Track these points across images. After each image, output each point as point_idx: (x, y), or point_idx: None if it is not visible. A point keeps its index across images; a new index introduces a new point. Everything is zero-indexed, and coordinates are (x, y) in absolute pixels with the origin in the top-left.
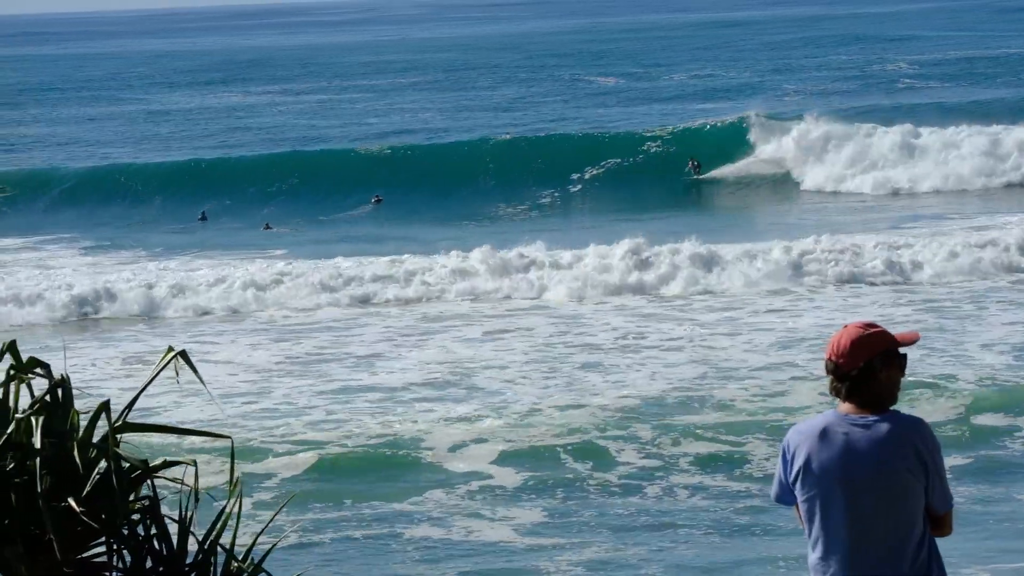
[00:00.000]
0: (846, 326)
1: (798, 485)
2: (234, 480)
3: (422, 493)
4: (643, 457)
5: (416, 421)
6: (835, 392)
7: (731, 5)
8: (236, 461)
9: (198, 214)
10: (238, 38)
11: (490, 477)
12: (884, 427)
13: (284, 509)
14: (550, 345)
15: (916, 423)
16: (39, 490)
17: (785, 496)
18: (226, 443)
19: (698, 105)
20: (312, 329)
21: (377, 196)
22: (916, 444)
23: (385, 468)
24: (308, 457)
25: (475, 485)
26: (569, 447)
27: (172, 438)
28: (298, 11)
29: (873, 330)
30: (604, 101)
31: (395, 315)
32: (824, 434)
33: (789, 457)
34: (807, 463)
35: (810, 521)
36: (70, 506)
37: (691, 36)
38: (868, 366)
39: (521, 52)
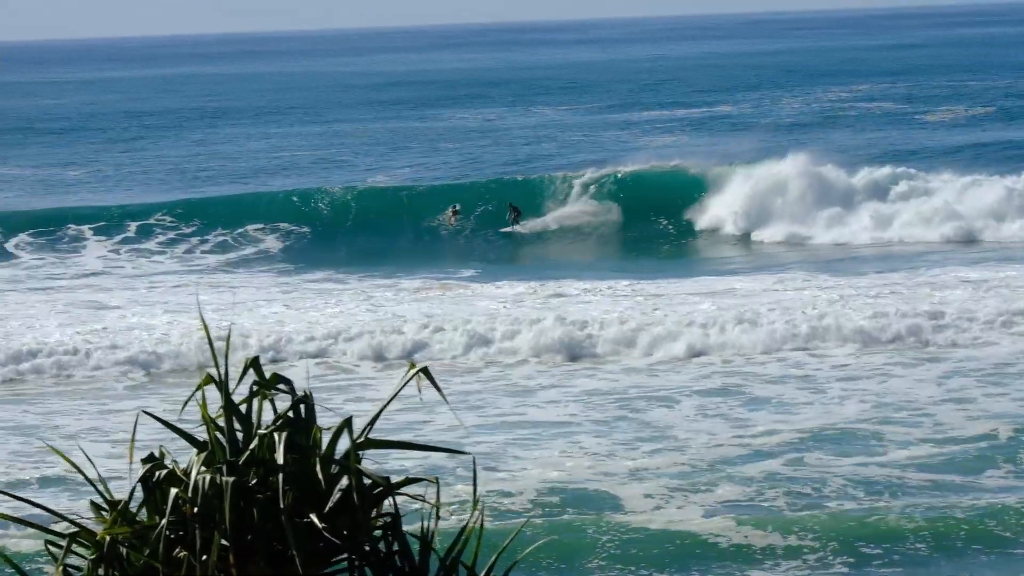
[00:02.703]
0: None
1: None
2: (476, 497)
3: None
4: None
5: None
6: None
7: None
8: (478, 478)
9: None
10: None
11: None
12: None
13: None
14: None
15: None
16: (282, 506)
17: None
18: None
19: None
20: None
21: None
22: None
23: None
24: (549, 474)
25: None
26: None
27: (414, 453)
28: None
29: None
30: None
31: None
32: None
33: None
34: None
35: None
36: (312, 522)
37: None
38: None
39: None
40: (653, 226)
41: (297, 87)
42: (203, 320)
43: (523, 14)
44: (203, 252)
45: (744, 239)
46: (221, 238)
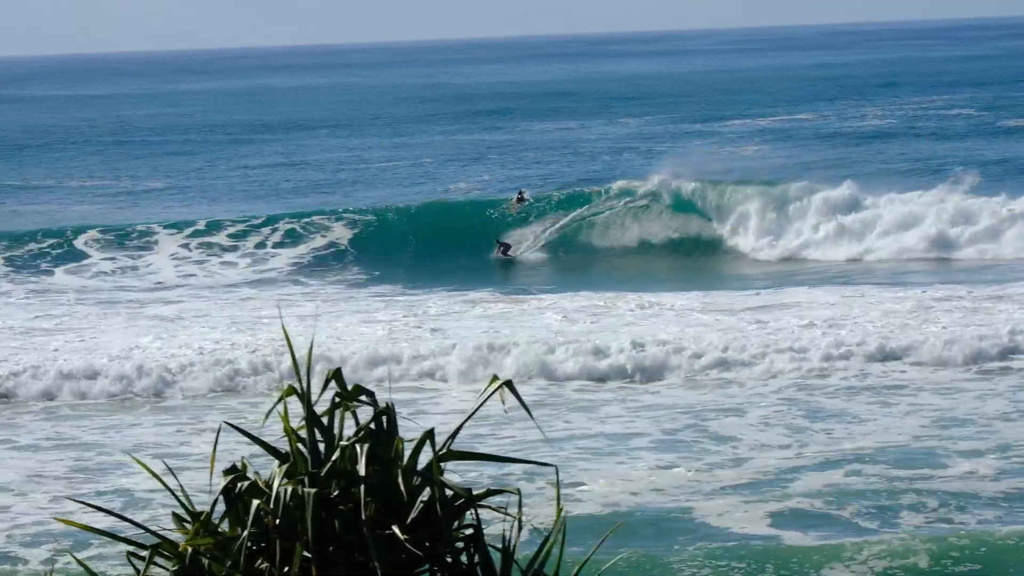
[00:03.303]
0: None
1: None
2: (559, 508)
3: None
4: None
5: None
6: None
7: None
8: (560, 489)
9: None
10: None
11: None
12: None
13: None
14: None
15: None
16: (363, 517)
17: None
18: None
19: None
20: None
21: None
22: None
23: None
24: (628, 486)
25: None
26: None
27: (497, 465)
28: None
29: None
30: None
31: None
32: None
33: None
34: None
35: None
36: (394, 533)
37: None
38: None
39: None
40: (728, 241)
41: (376, 99)
42: (285, 332)
43: (600, 27)
44: (289, 263)
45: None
46: (302, 249)
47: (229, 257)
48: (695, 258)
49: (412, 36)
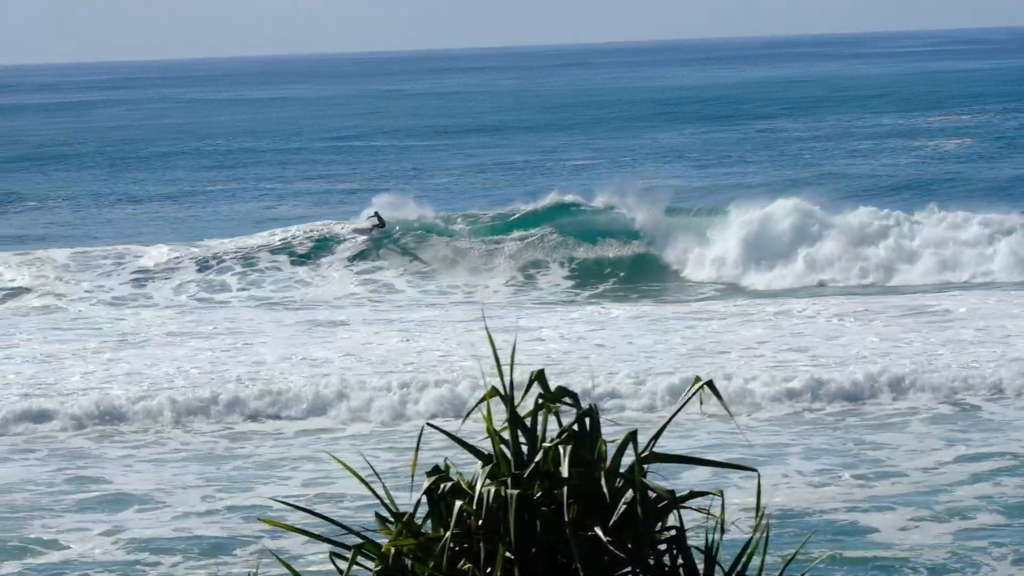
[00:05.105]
0: None
1: None
2: (760, 511)
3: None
4: None
5: None
6: None
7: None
8: (763, 492)
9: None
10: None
11: None
12: None
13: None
14: None
15: None
16: (566, 519)
17: None
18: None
19: None
20: None
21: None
22: None
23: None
24: (831, 492)
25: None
26: None
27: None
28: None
29: None
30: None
31: None
32: None
33: None
34: None
35: None
36: (597, 535)
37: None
38: None
39: None
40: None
41: (581, 103)
42: (488, 333)
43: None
44: (486, 272)
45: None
46: (493, 256)
47: (414, 265)
48: None
49: (615, 38)
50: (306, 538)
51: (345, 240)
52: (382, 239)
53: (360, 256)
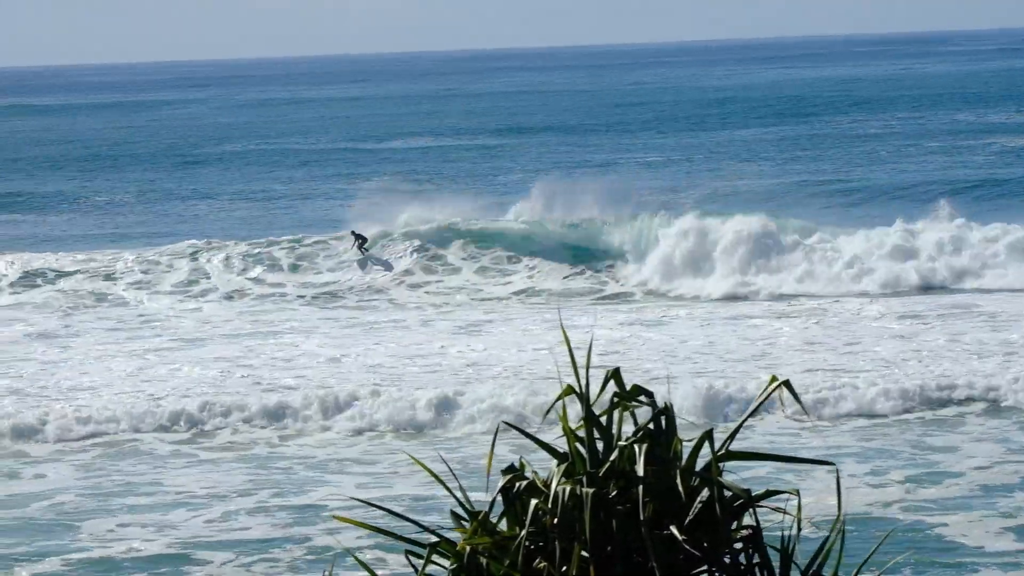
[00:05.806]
0: None
1: None
2: (840, 509)
3: None
4: None
5: None
6: None
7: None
8: (823, 494)
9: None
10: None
11: None
12: None
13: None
14: None
15: None
16: (642, 517)
17: None
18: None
19: None
20: None
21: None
22: None
23: None
24: (898, 492)
25: None
26: None
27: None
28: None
29: None
30: None
31: None
32: None
33: None
34: None
35: None
36: (672, 534)
37: None
38: None
39: None
40: None
41: (652, 101)
42: (564, 332)
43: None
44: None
45: None
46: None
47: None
48: None
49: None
50: (363, 539)
51: (405, 241)
52: (446, 239)
53: (418, 254)
